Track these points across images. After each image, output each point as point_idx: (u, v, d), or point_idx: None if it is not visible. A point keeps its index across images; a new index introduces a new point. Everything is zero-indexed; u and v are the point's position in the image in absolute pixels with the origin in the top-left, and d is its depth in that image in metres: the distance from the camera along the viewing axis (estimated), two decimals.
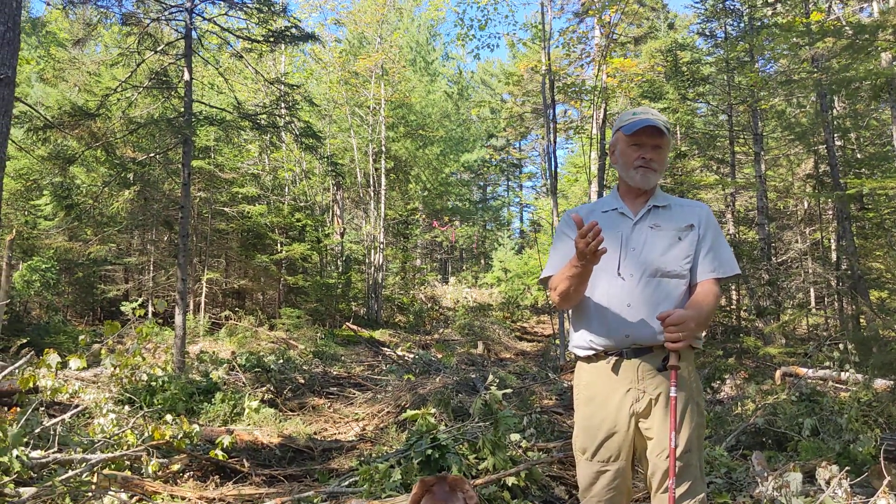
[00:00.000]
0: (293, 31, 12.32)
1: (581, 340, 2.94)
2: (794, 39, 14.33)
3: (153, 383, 8.15)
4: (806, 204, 21.49)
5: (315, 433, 8.15)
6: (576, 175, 31.93)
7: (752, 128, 17.49)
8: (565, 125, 27.38)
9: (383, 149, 26.63)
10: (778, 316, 15.83)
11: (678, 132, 20.27)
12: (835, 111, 16.39)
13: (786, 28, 13.60)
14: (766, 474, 4.73)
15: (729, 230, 18.80)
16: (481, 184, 48.42)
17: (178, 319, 10.72)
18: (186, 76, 11.43)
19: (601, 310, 2.85)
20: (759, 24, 16.92)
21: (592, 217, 2.93)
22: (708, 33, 18.90)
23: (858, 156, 17.14)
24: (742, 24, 17.78)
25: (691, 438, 2.75)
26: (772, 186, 21.44)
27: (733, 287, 18.78)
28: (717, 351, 13.40)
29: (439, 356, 14.91)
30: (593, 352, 2.89)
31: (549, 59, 17.92)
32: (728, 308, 18.36)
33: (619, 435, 2.82)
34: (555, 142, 17.54)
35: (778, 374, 10.92)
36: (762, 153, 17.44)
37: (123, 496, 4.56)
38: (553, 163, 17.46)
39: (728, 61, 17.07)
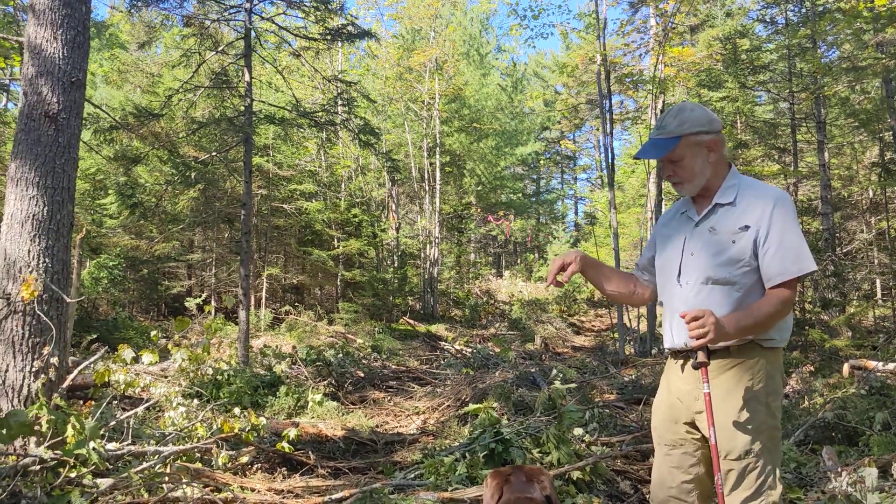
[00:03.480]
0: (350, 28, 12.43)
1: (663, 339, 3.04)
2: (858, 24, 13.92)
3: (219, 377, 8.33)
4: (871, 193, 20.91)
5: (377, 426, 8.23)
6: (633, 166, 31.56)
7: (814, 115, 17.07)
8: (621, 116, 27.09)
9: (438, 143, 26.67)
10: (843, 308, 15.46)
11: (738, 121, 19.89)
12: None
13: (850, 13, 13.23)
14: (838, 469, 4.64)
15: None
16: (534, 177, 48.18)
17: (241, 315, 10.93)
18: (246, 76, 11.61)
19: (666, 316, 2.94)
20: (821, 9, 16.50)
21: (673, 222, 3.04)
22: (768, 20, 18.51)
23: None
24: (803, 10, 17.37)
25: (758, 440, 2.69)
26: (835, 175, 20.93)
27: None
28: None
29: (497, 350, 14.91)
30: (669, 351, 2.98)
31: (604, 50, 17.73)
32: None
33: (682, 433, 2.89)
34: (611, 133, 17.37)
35: (846, 367, 10.67)
36: (825, 141, 17.02)
37: (196, 488, 4.67)
38: (610, 154, 17.30)
39: (789, 48, 16.68)
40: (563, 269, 2.90)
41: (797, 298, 16.99)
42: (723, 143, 2.89)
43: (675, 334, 2.86)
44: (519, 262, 43.16)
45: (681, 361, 2.89)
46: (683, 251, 2.87)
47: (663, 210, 19.64)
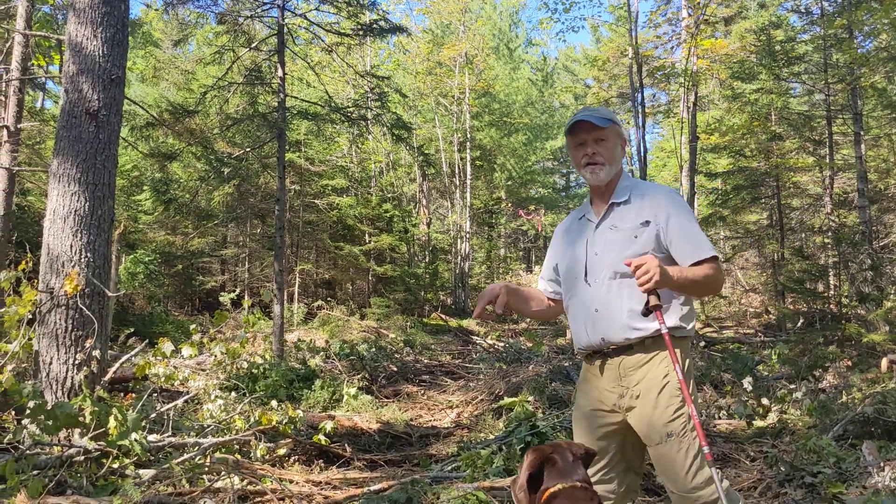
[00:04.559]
0: (381, 23, 12.47)
1: (574, 342, 3.06)
2: None
3: (254, 371, 8.42)
4: None
5: (411, 420, 8.27)
6: (664, 160, 31.32)
7: (850, 107, 16.80)
8: (653, 109, 26.89)
9: (468, 138, 26.67)
10: (881, 302, 15.23)
11: (772, 114, 19.63)
12: None
13: (887, 2, 13.01)
14: (880, 464, 4.59)
15: (827, 213, 18.16)
16: (565, 171, 47.99)
17: (276, 309, 11.02)
18: (279, 72, 11.69)
19: (577, 316, 2.96)
20: None
21: (572, 227, 3.14)
22: (803, 10, 18.23)
23: None
24: None
25: (679, 423, 2.74)
26: (872, 168, 20.59)
27: (832, 273, 18.17)
28: (817, 339, 12.98)
29: (529, 345, 14.88)
30: (584, 353, 3.00)
31: (636, 43, 17.60)
32: (826, 294, 17.76)
33: (604, 429, 2.90)
34: (643, 126, 17.24)
35: (884, 361, 10.51)
36: (862, 133, 16.74)
37: (236, 479, 4.73)
38: (642, 148, 17.17)
39: (825, 38, 16.42)
40: (491, 302, 2.96)
41: (831, 293, 16.79)
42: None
43: (590, 331, 2.88)
44: None
45: (598, 362, 2.92)
46: (587, 252, 2.94)
47: (696, 205, 19.50)
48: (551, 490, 2.24)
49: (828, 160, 17.84)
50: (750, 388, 8.14)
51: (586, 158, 2.93)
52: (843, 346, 13.01)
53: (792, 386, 8.45)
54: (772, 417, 7.41)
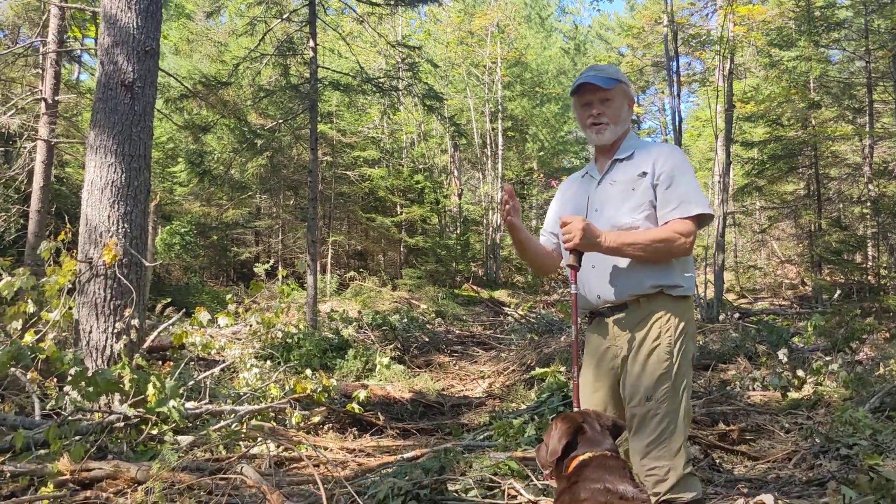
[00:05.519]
0: None
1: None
2: None
3: (289, 340, 8.52)
4: None
5: (443, 389, 8.33)
6: (699, 129, 30.91)
7: (892, 74, 16.42)
8: (688, 78, 26.50)
9: (500, 108, 26.50)
10: None
11: (810, 81, 19.24)
12: None
13: None
14: None
15: (866, 183, 17.83)
16: None
17: (309, 280, 11.12)
18: (311, 42, 11.68)
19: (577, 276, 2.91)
20: None
21: (574, 183, 3.15)
22: None
23: None
24: None
25: (662, 387, 2.68)
26: None
27: (870, 244, 17.89)
28: (854, 310, 12.82)
29: (561, 316, 14.87)
30: (583, 314, 2.96)
31: (671, 10, 17.30)
32: (864, 265, 17.51)
33: (603, 392, 2.85)
34: (678, 95, 17.00)
35: None
36: None
37: (272, 445, 4.81)
38: (677, 117, 16.95)
39: (866, 4, 16.03)
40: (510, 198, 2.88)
41: (869, 265, 16.53)
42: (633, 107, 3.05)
43: (586, 289, 2.85)
44: None
45: (595, 322, 2.90)
46: (588, 208, 2.92)
47: (731, 175, 19.22)
48: (581, 458, 2.22)
49: (867, 129, 17.49)
50: (785, 359, 8.07)
51: (591, 119, 2.92)
52: (881, 318, 12.86)
53: (828, 358, 8.36)
54: (807, 389, 7.36)
